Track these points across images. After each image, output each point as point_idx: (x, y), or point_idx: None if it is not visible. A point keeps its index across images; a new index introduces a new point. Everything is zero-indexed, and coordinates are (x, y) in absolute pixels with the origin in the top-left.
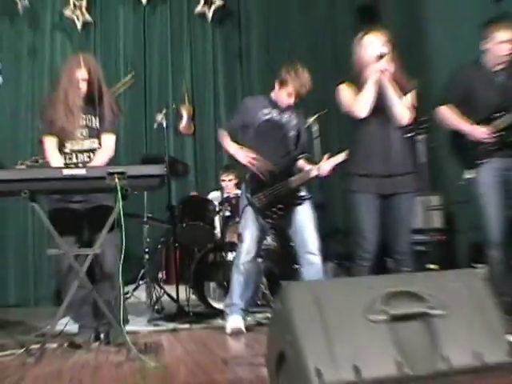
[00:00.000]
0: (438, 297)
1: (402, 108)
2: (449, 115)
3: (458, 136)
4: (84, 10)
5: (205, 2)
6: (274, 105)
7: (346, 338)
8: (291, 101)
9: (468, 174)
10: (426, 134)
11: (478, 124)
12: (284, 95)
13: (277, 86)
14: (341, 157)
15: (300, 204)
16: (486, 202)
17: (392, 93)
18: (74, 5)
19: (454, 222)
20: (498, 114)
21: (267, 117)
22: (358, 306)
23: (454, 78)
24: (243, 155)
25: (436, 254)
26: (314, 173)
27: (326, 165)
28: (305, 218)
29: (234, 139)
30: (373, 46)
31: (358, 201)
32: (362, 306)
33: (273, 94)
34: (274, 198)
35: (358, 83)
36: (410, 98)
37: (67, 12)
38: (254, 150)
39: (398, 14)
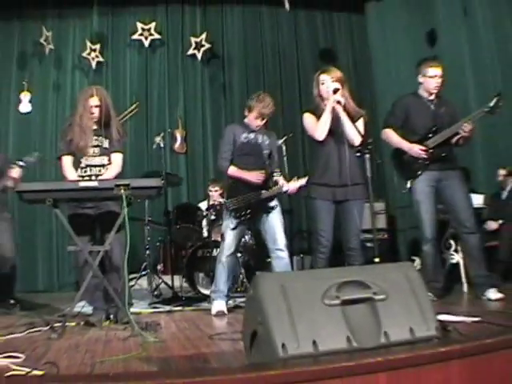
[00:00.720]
0: (380, 285)
1: (354, 132)
2: (391, 136)
3: (399, 153)
4: (98, 52)
5: (195, 46)
6: (249, 129)
7: (306, 318)
8: (259, 122)
9: (408, 185)
10: (371, 153)
11: (415, 143)
12: (252, 118)
13: (246, 112)
14: (303, 180)
15: (269, 211)
16: (421, 206)
17: (346, 120)
18: (91, 48)
19: (395, 224)
20: (431, 135)
21: (246, 139)
22: (316, 293)
23: (396, 106)
24: (255, 176)
25: (381, 249)
26: (284, 189)
27: (295, 184)
28: (275, 220)
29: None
30: (327, 83)
31: (317, 206)
32: (319, 293)
33: (246, 120)
34: (245, 204)
35: (317, 112)
36: (360, 123)
37: (85, 54)
38: (238, 167)
39: (351, 56)
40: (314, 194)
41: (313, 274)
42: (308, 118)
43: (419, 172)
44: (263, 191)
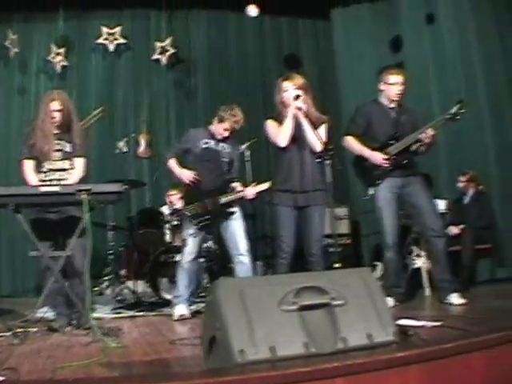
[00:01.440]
0: (338, 290)
1: (316, 138)
2: (353, 143)
3: (360, 160)
4: (63, 56)
5: (161, 51)
6: (212, 136)
7: (264, 324)
8: (226, 134)
9: (370, 191)
10: (332, 159)
11: (376, 150)
12: (221, 130)
13: (215, 121)
14: (265, 185)
15: (228, 218)
16: (383, 213)
17: (307, 126)
18: (56, 52)
19: (359, 229)
20: (392, 142)
21: (206, 146)
22: (274, 299)
23: (357, 113)
24: (186, 175)
25: (344, 254)
26: (242, 194)
27: (252, 190)
28: (236, 226)
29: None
30: (289, 89)
31: (279, 212)
32: (277, 299)
33: (212, 127)
34: (203, 211)
35: (280, 119)
36: (322, 129)
37: (50, 58)
38: (195, 172)
39: (317, 62)
40: (276, 200)
41: (271, 280)
42: (270, 125)
43: (380, 179)
44: (221, 197)
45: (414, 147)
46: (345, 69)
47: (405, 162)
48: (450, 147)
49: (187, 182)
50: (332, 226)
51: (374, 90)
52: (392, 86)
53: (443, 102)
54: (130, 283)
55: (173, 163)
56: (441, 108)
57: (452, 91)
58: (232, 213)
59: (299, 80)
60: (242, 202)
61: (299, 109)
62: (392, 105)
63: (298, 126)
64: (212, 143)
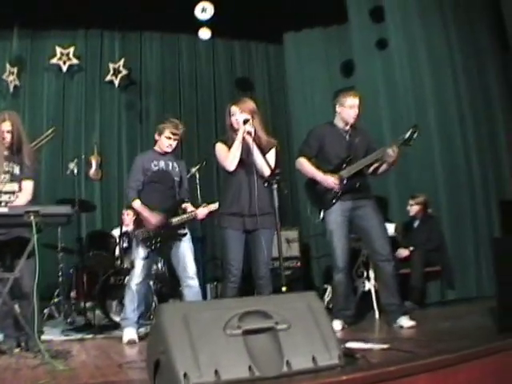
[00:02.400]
0: (283, 314)
1: (263, 163)
2: (305, 166)
3: (312, 183)
4: (15, 75)
5: (113, 72)
6: (160, 156)
7: (208, 348)
8: (171, 142)
9: (321, 215)
10: (279, 183)
11: (329, 173)
12: (164, 139)
13: (157, 137)
14: (215, 205)
15: (179, 239)
16: (334, 236)
17: (255, 151)
18: (9, 71)
19: (309, 251)
20: (345, 165)
21: (156, 168)
22: (218, 323)
23: (310, 135)
24: (153, 219)
25: (294, 277)
26: (193, 215)
27: (203, 210)
28: (185, 248)
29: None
30: (238, 113)
31: (227, 235)
32: (222, 323)
33: (156, 147)
34: (154, 233)
35: (229, 142)
36: (271, 154)
37: (4, 76)
38: (147, 195)
39: (268, 86)
40: (225, 224)
41: (216, 304)
42: (219, 148)
43: (332, 202)
44: (172, 219)
45: (370, 169)
46: (296, 92)
47: (357, 185)
48: (399, 171)
49: (155, 224)
50: (278, 250)
51: (325, 113)
52: (349, 109)
53: (394, 127)
54: (79, 305)
55: (139, 205)
56: (391, 132)
57: (403, 116)
58: (183, 234)
59: (249, 104)
60: (192, 222)
61: (248, 133)
62: (346, 127)
63: (246, 150)
64: (162, 164)
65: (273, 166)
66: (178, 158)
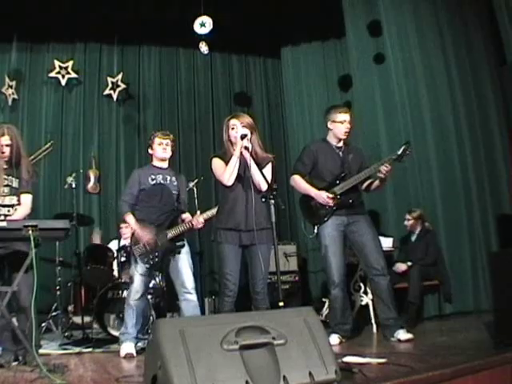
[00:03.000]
0: (280, 330)
1: (261, 178)
2: (299, 182)
3: (306, 199)
4: (14, 89)
5: (112, 86)
6: (158, 170)
7: (205, 363)
8: (165, 147)
9: (315, 230)
10: (275, 198)
11: (322, 189)
12: (156, 149)
13: (150, 151)
14: (210, 213)
15: (177, 252)
16: (329, 250)
17: (253, 166)
18: (8, 84)
19: (307, 266)
20: (338, 182)
21: (154, 182)
22: (215, 338)
23: (304, 153)
24: (144, 236)
25: (293, 291)
26: (188, 225)
27: (200, 218)
28: (183, 262)
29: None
30: (236, 128)
31: (223, 250)
32: (218, 338)
33: (154, 162)
34: (151, 248)
35: (226, 157)
36: (268, 169)
37: (3, 90)
38: (145, 208)
39: (266, 100)
40: (221, 239)
41: (213, 320)
42: (216, 163)
43: (326, 218)
44: (168, 231)
45: (364, 186)
46: (294, 107)
47: (350, 201)
48: (396, 185)
49: (145, 242)
50: (275, 264)
51: (323, 128)
52: (339, 125)
53: (391, 141)
54: (77, 319)
55: (131, 219)
56: (389, 147)
57: (400, 130)
58: (181, 246)
59: (246, 119)
60: (191, 233)
61: (245, 148)
62: (339, 144)
63: (243, 165)
64: (159, 178)
65: (270, 180)
66: (177, 172)
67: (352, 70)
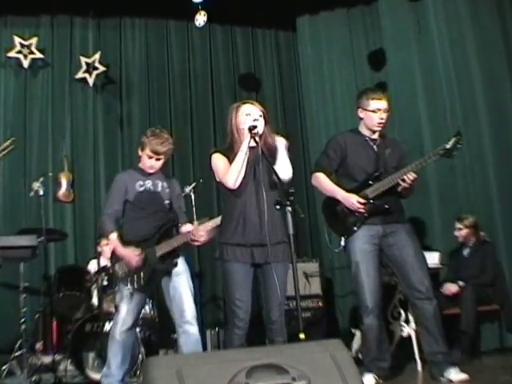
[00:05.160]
0: (301, 368)
1: (285, 163)
2: (324, 182)
3: (332, 203)
4: None
5: (87, 68)
6: (146, 176)
7: None
8: (153, 163)
9: (342, 242)
10: (293, 204)
11: (352, 192)
12: (145, 158)
13: (139, 152)
14: (213, 222)
15: (169, 272)
16: (360, 268)
17: (282, 153)
18: None
19: (333, 288)
20: (371, 182)
21: (142, 188)
22: (221, 380)
23: (330, 145)
24: (133, 260)
25: (316, 320)
26: (186, 238)
27: (202, 228)
28: (181, 285)
29: None
30: (246, 117)
31: (231, 270)
32: (225, 380)
33: (141, 165)
34: (138, 267)
35: (230, 153)
36: (282, 152)
37: None
38: (131, 223)
39: (278, 83)
40: (228, 256)
41: (218, 357)
42: (218, 161)
43: (355, 227)
44: (159, 247)
45: (399, 188)
46: (313, 91)
47: (386, 206)
48: (443, 186)
49: (132, 264)
50: (294, 287)
51: (349, 117)
52: (372, 114)
53: (435, 131)
54: (47, 359)
55: (115, 241)
56: (432, 138)
57: (446, 117)
58: (175, 264)
59: (258, 105)
60: (190, 246)
61: (255, 141)
62: (373, 136)
63: (253, 163)
64: (148, 184)
65: (287, 171)
66: (168, 176)
67: (385, 44)
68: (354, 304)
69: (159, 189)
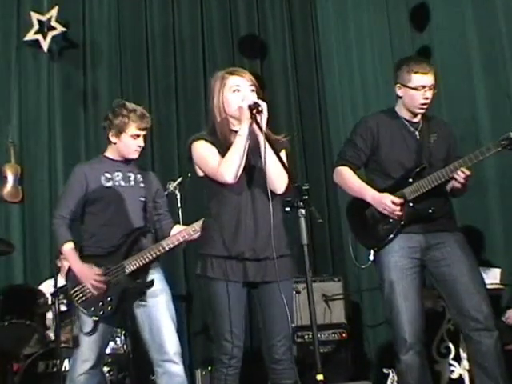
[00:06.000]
0: None
1: (279, 171)
2: (349, 178)
3: (359, 205)
4: None
5: (40, 28)
6: (115, 165)
7: None
8: (140, 143)
9: (371, 256)
10: (308, 205)
11: (386, 191)
12: (129, 142)
13: (112, 137)
14: (193, 227)
15: (142, 295)
16: (396, 290)
17: (269, 153)
18: None
19: (360, 316)
20: (411, 180)
21: (109, 183)
22: None
23: (358, 131)
24: (87, 273)
25: (338, 356)
26: (163, 247)
27: (177, 236)
28: (159, 312)
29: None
30: (247, 87)
31: (217, 291)
32: None
33: (108, 153)
34: (101, 290)
35: (217, 140)
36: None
37: None
38: (94, 228)
39: (290, 48)
40: (212, 273)
41: None
42: (203, 149)
43: (390, 237)
44: (128, 262)
45: (448, 186)
46: (335, 60)
47: (431, 210)
48: (504, 186)
49: (89, 285)
50: (310, 313)
51: (381, 94)
52: (415, 92)
53: (495, 113)
54: None
55: (71, 252)
56: (491, 123)
57: (510, 94)
58: (150, 283)
59: (251, 77)
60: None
61: (257, 124)
62: (415, 119)
63: (252, 153)
64: (118, 177)
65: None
66: (144, 168)
67: None
68: (388, 336)
69: (132, 183)
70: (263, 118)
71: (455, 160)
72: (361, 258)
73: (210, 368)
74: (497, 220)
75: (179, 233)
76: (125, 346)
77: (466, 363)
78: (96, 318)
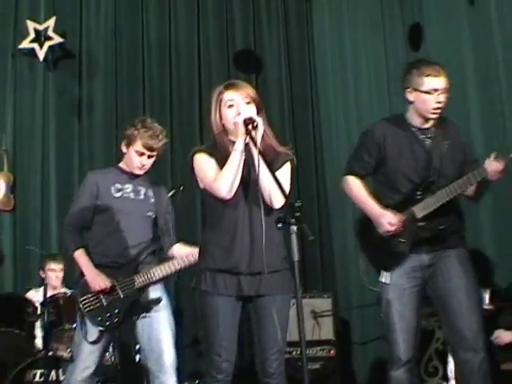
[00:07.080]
0: None
1: (274, 187)
2: (355, 190)
3: (369, 220)
4: None
5: (36, 37)
6: (126, 178)
7: None
8: (144, 161)
9: (383, 278)
10: (300, 223)
11: (394, 207)
12: (134, 157)
13: (123, 148)
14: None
15: (150, 309)
16: (392, 309)
17: (264, 168)
18: None
19: (350, 332)
20: (419, 195)
21: (118, 194)
22: None
23: (366, 140)
24: (98, 281)
25: (327, 373)
26: (182, 263)
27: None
28: (161, 325)
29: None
30: (242, 103)
31: (210, 305)
32: None
33: (122, 164)
34: (110, 301)
35: (217, 153)
36: (285, 171)
37: None
38: (100, 238)
39: (285, 62)
40: (206, 286)
41: None
42: (204, 162)
43: (403, 258)
44: (138, 276)
45: (472, 191)
46: (330, 74)
47: (441, 227)
48: (497, 197)
49: (97, 290)
50: (299, 329)
51: (375, 109)
52: (428, 96)
53: (488, 126)
54: None
55: (82, 257)
56: (485, 135)
57: (504, 110)
58: (156, 301)
59: (249, 90)
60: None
61: (252, 140)
62: (426, 125)
63: (247, 168)
64: (128, 189)
65: (288, 192)
66: (155, 182)
67: (426, 16)
68: (377, 353)
69: (141, 196)
70: (258, 134)
71: (472, 165)
72: (352, 275)
73: (197, 382)
74: (487, 234)
75: (190, 254)
76: (112, 358)
77: (453, 383)
78: (102, 329)
